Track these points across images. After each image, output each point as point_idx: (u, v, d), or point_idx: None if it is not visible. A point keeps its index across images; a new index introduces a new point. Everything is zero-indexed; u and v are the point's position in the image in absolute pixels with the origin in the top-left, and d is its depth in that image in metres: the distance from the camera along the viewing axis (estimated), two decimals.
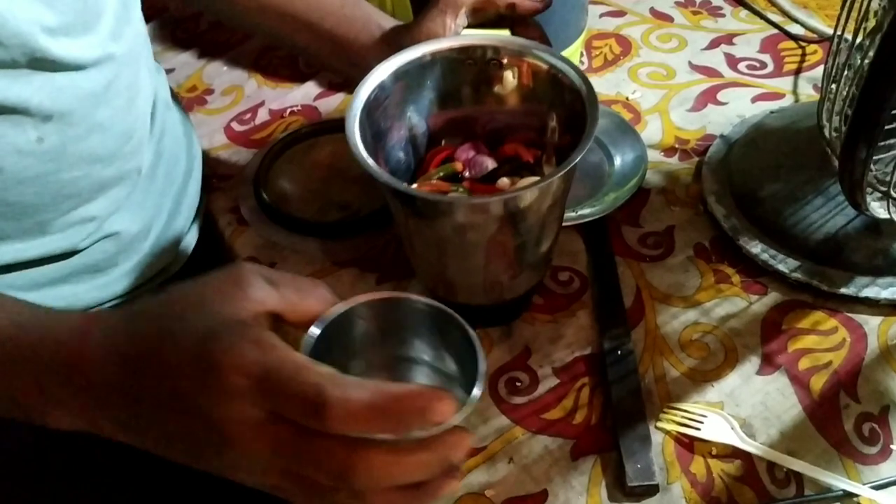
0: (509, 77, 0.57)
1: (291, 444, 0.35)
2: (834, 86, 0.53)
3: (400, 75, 0.55)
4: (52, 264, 0.57)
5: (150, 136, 0.64)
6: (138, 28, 0.61)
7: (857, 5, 0.51)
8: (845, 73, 0.51)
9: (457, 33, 0.63)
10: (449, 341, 0.42)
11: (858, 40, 0.52)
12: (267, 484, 0.37)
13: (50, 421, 0.41)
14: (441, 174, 0.58)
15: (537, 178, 0.51)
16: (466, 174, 0.59)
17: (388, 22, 0.67)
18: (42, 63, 0.48)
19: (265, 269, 0.40)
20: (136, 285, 0.64)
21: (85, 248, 0.58)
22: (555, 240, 0.56)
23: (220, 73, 0.84)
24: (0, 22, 0.45)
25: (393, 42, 0.64)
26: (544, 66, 0.55)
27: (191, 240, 0.69)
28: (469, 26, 0.64)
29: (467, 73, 0.57)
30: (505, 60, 0.56)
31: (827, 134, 0.54)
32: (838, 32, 0.54)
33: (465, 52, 0.56)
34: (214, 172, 0.73)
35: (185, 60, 0.86)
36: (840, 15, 0.53)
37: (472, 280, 0.55)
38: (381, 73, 0.54)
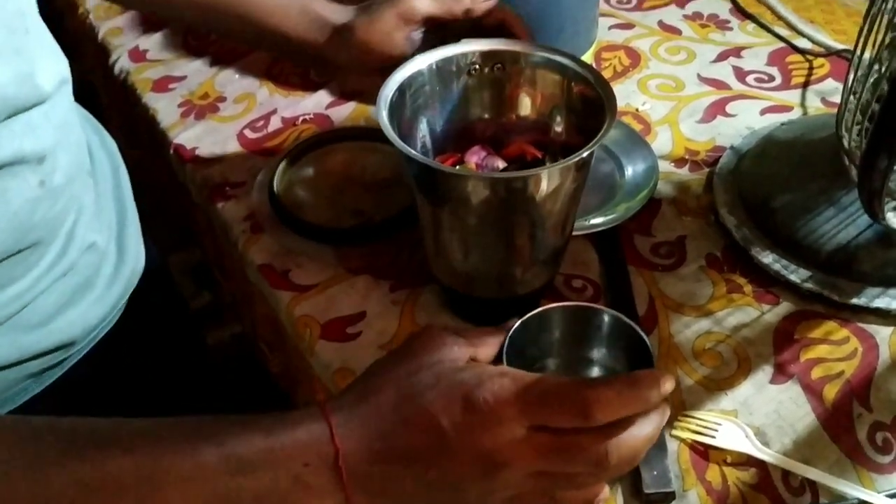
0: (515, 83, 0.58)
1: (555, 447, 0.40)
2: (853, 97, 0.54)
3: (408, 86, 0.55)
4: (57, 289, 0.56)
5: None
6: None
7: (878, 20, 0.52)
8: (866, 84, 0.52)
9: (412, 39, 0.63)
10: (622, 346, 0.50)
11: (878, 54, 0.52)
12: (522, 491, 0.42)
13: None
14: None
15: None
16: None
17: (324, 8, 0.66)
18: (14, 106, 0.47)
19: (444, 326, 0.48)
20: (122, 294, 0.64)
21: (76, 266, 0.58)
22: (566, 238, 0.57)
23: (231, 81, 0.85)
24: None
25: (342, 38, 0.64)
26: (551, 68, 0.56)
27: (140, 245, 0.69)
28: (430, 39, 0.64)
29: (473, 80, 0.58)
30: (509, 66, 0.57)
31: (846, 144, 0.55)
32: (859, 45, 0.54)
33: (469, 59, 0.57)
34: (227, 180, 0.73)
35: (198, 68, 0.87)
36: (862, 28, 0.53)
37: (488, 270, 0.56)
38: (392, 85, 0.54)
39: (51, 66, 0.51)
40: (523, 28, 0.64)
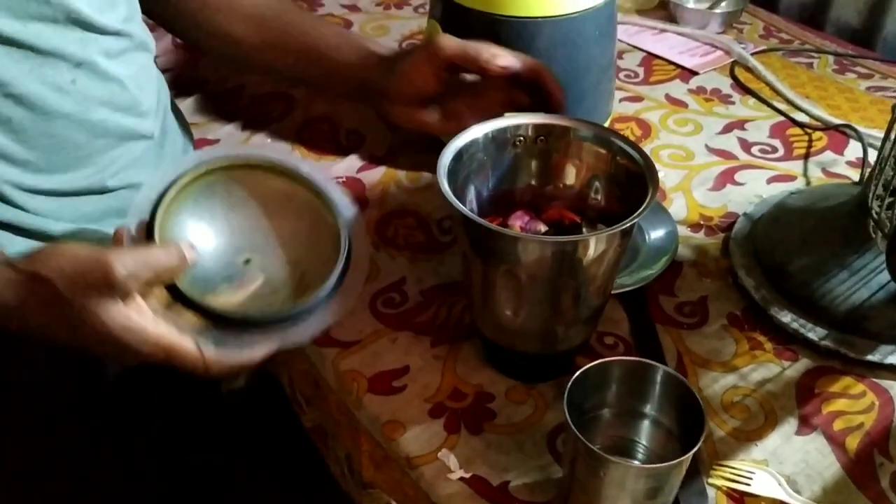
0: (562, 153, 0.63)
1: None
2: (881, 175, 0.60)
3: (464, 153, 0.60)
4: (86, 197, 0.68)
5: (157, 113, 0.74)
6: (144, 29, 0.73)
7: None
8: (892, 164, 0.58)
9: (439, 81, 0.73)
10: (673, 401, 0.53)
11: None
12: None
13: None
14: None
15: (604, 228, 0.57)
16: None
17: (373, 44, 0.80)
18: (76, 21, 0.62)
19: None
20: None
21: (112, 190, 0.69)
22: (606, 297, 0.61)
23: (264, 145, 0.89)
24: None
25: (386, 68, 0.76)
26: (597, 142, 0.61)
27: None
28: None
29: (521, 149, 0.63)
30: (557, 138, 0.62)
31: (875, 215, 0.60)
32: (893, 130, 0.61)
33: (521, 130, 0.62)
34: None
35: (230, 132, 0.91)
36: (894, 117, 0.60)
37: (533, 327, 0.60)
38: (450, 152, 0.59)
39: (115, 18, 0.67)
40: (556, 85, 0.70)
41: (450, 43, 0.70)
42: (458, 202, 0.53)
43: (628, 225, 0.52)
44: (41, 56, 0.60)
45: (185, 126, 0.84)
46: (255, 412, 0.98)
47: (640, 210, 0.53)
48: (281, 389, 0.87)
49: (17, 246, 0.62)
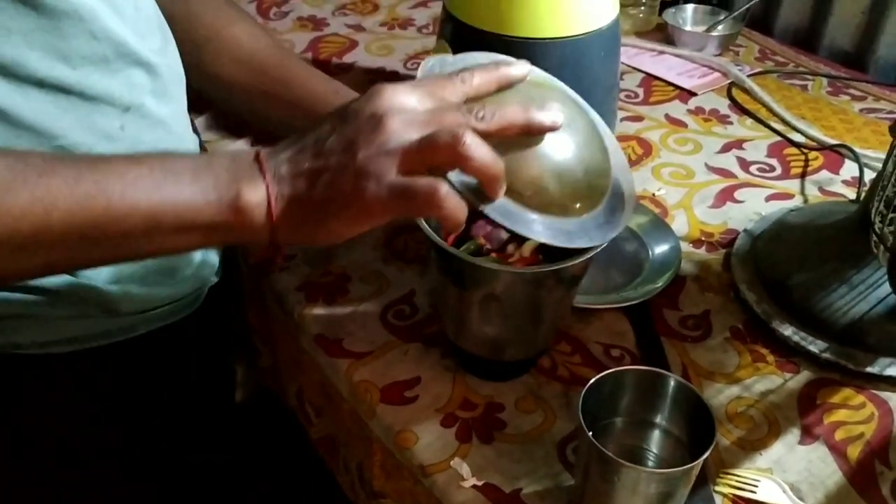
0: None
1: (432, 103, 0.50)
2: (882, 191, 0.62)
3: None
4: None
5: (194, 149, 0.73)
6: (176, 55, 0.71)
7: None
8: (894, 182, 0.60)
9: None
10: (684, 411, 0.54)
11: None
12: (404, 144, 0.48)
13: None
14: (471, 248, 0.63)
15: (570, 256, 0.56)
16: (489, 247, 0.64)
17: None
18: (124, 55, 0.60)
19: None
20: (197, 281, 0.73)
21: None
22: (568, 308, 0.64)
23: None
24: (91, 17, 0.55)
25: None
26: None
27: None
28: None
29: None
30: None
31: (878, 230, 0.62)
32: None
33: None
34: (279, 253, 0.78)
35: (241, 148, 0.92)
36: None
37: (501, 338, 0.62)
38: None
39: (154, 46, 0.66)
40: None
41: None
42: (434, 234, 0.56)
43: (598, 250, 0.54)
44: (90, 103, 0.58)
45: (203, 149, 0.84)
46: (258, 427, 0.99)
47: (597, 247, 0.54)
48: (281, 405, 0.88)
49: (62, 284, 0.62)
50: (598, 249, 0.54)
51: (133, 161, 0.48)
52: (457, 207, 0.47)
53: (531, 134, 0.51)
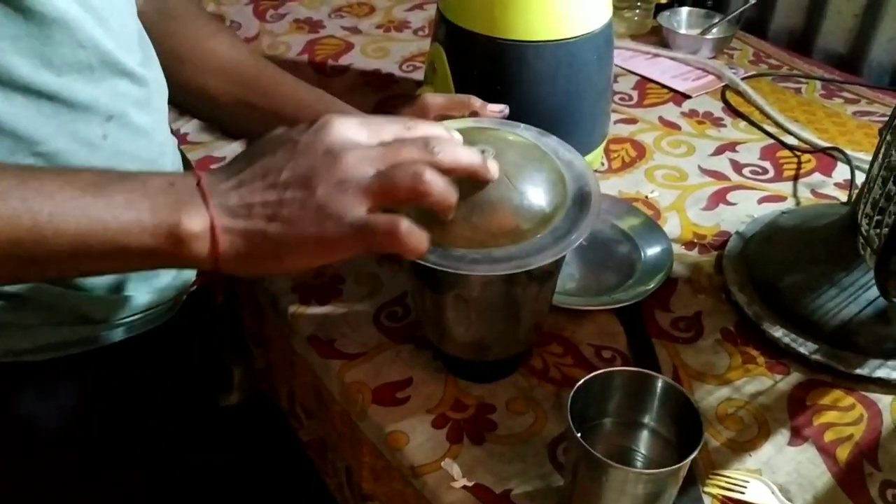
0: None
1: (390, 142, 0.50)
2: (869, 194, 0.63)
3: None
4: None
5: (174, 161, 0.74)
6: (158, 68, 0.71)
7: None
8: (876, 184, 0.61)
9: None
10: (672, 412, 0.55)
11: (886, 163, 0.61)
12: (365, 181, 0.48)
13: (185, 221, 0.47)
14: None
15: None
16: None
17: (352, 109, 0.76)
18: (108, 65, 0.60)
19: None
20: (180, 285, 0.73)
21: None
22: (547, 307, 0.64)
23: None
24: (78, 25, 0.55)
25: None
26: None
27: None
28: None
29: None
30: None
31: (864, 232, 0.62)
32: (880, 153, 0.63)
33: None
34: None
35: (236, 149, 0.92)
36: (882, 139, 0.63)
37: (479, 340, 0.62)
38: None
39: (137, 59, 0.66)
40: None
41: (436, 100, 0.68)
42: None
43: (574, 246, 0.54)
44: (73, 110, 0.58)
45: (184, 157, 0.84)
46: (250, 428, 0.99)
47: (567, 242, 0.53)
48: (274, 406, 0.88)
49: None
50: (558, 255, 0.53)
51: (65, 180, 0.47)
52: (417, 243, 0.48)
53: (474, 179, 0.52)
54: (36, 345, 0.64)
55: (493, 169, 0.52)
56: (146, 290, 0.69)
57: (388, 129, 0.51)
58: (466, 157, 0.51)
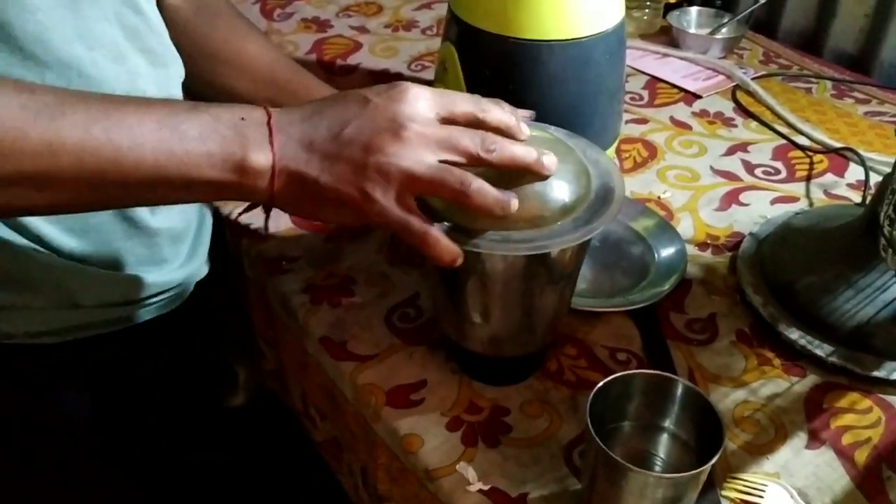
0: None
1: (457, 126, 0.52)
2: (893, 195, 0.63)
3: None
4: None
5: None
6: (177, 56, 0.71)
7: None
8: None
9: None
10: (692, 415, 0.54)
11: None
12: (427, 160, 0.50)
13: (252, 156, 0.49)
14: None
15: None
16: None
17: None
18: (134, 43, 0.62)
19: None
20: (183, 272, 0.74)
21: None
22: (569, 298, 0.63)
23: None
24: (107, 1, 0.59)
25: None
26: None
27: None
28: None
29: None
30: None
31: (887, 234, 0.62)
32: None
33: None
34: (283, 255, 0.78)
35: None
36: None
37: (498, 330, 0.61)
38: None
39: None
40: None
41: None
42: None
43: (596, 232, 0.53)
44: (97, 86, 0.59)
45: None
46: (259, 429, 0.98)
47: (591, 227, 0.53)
48: (284, 408, 0.88)
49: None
50: (580, 240, 0.53)
51: (142, 111, 0.48)
52: (445, 251, 0.50)
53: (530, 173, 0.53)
54: (51, 328, 0.65)
55: (550, 164, 0.53)
56: (154, 271, 0.70)
57: (461, 106, 0.52)
58: (521, 154, 0.52)
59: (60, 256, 0.62)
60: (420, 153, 0.49)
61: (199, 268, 0.77)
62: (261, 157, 0.49)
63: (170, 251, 0.71)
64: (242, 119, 0.49)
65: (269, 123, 0.49)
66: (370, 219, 0.51)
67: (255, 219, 0.82)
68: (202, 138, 0.48)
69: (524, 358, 0.65)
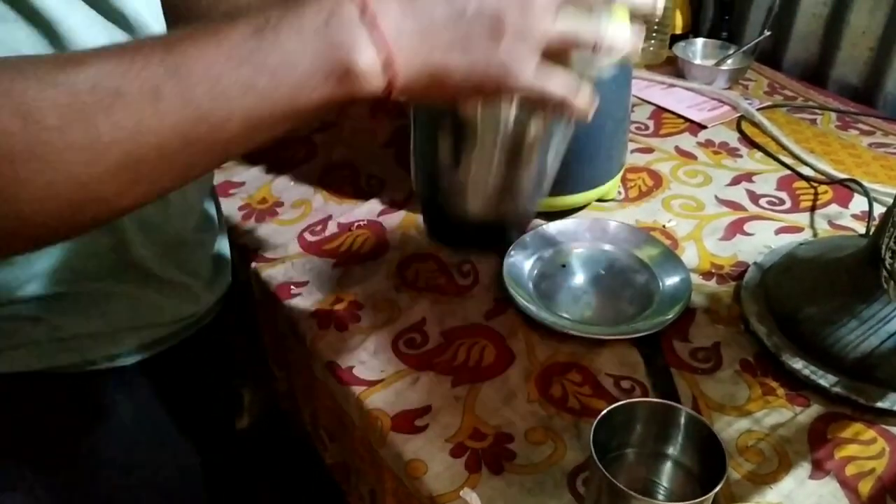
0: None
1: None
2: (894, 228, 0.63)
3: None
4: None
5: None
6: None
7: None
8: None
9: None
10: (695, 444, 0.55)
11: None
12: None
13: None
14: None
15: None
16: None
17: None
18: (139, 28, 0.58)
19: None
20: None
21: None
22: (543, 181, 0.60)
23: (287, 188, 0.92)
24: None
25: None
26: None
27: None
28: None
29: None
30: None
31: (888, 266, 0.62)
32: None
33: None
34: (291, 280, 0.79)
35: (255, 175, 0.94)
36: None
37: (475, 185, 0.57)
38: None
39: None
40: None
41: None
42: None
43: None
44: None
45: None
46: (271, 450, 0.99)
47: None
48: (294, 427, 0.88)
49: None
50: None
51: (212, 55, 0.41)
52: (587, 105, 0.49)
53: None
54: (127, 349, 0.67)
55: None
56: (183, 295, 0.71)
57: None
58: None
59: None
60: (546, 24, 0.45)
61: (223, 286, 0.78)
62: (366, 57, 0.43)
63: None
64: (326, 23, 0.43)
65: (365, 14, 0.43)
66: (503, 95, 0.48)
67: (259, 244, 0.83)
68: (290, 66, 0.42)
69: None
